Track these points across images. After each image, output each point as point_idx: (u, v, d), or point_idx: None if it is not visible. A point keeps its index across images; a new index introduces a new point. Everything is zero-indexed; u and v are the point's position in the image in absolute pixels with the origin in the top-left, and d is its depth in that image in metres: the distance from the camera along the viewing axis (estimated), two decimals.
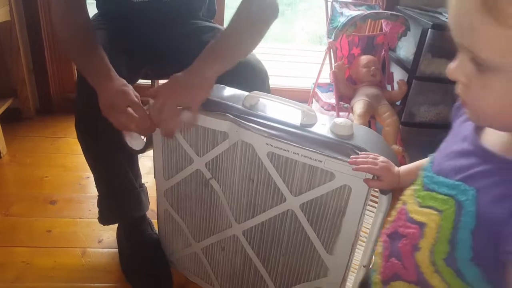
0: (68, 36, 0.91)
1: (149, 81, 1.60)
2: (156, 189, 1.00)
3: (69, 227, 1.24)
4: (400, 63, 1.77)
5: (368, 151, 0.68)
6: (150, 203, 1.15)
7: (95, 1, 1.13)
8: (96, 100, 0.92)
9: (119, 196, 1.06)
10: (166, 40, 1.07)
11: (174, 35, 1.08)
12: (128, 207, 1.09)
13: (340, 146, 0.70)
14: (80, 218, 1.28)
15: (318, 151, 0.69)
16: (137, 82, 1.10)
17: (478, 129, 0.48)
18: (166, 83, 0.80)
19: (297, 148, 0.71)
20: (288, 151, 0.72)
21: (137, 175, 1.11)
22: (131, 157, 1.07)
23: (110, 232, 1.21)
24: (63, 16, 0.92)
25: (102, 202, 1.09)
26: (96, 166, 1.04)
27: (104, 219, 1.10)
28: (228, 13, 2.01)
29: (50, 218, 1.27)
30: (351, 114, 1.63)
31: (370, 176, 0.66)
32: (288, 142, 0.71)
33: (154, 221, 1.14)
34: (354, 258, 0.77)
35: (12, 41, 1.67)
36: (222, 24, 1.66)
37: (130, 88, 0.81)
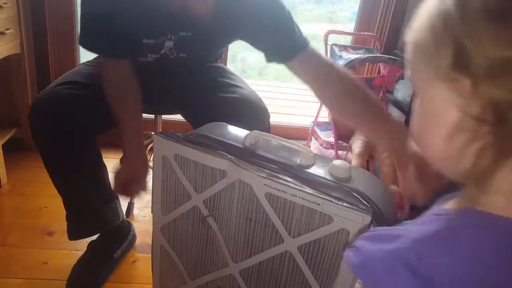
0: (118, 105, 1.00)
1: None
2: (153, 224, 0.99)
3: (65, 259, 1.23)
4: (397, 104, 1.81)
5: (367, 195, 0.69)
6: (147, 237, 1.15)
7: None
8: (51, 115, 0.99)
9: (79, 211, 1.15)
10: (176, 85, 1.12)
11: (187, 83, 1.13)
12: (87, 224, 1.16)
13: (338, 189, 0.71)
14: (77, 250, 1.27)
15: (316, 194, 0.70)
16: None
17: None
18: None
19: (295, 190, 0.71)
20: (286, 192, 0.72)
21: (103, 186, 1.16)
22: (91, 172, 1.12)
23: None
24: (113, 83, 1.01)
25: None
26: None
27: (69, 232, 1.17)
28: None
29: (47, 250, 1.26)
30: (349, 153, 1.65)
31: None
32: (286, 183, 0.72)
33: (148, 256, 1.13)
34: None
35: (20, 73, 1.72)
36: (225, 63, 1.71)
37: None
